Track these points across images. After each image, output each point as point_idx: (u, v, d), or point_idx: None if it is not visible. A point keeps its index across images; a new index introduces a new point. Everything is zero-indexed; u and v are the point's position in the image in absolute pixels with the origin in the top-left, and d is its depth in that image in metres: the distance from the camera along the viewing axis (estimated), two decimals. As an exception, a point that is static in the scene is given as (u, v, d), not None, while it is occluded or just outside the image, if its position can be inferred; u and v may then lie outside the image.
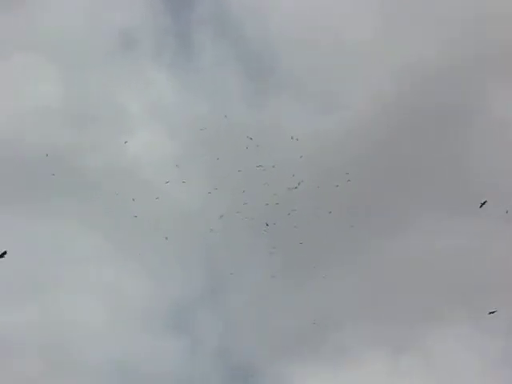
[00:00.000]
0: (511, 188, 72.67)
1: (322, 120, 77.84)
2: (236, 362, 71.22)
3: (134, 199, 69.37)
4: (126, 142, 71.76)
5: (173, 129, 77.86)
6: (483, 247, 72.75)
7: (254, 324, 72.02)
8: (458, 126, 78.49)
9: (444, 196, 75.48)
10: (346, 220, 73.79)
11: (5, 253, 59.74)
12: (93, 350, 70.18)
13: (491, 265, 71.84)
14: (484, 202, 63.83)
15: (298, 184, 68.79)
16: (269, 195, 70.63)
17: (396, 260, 73.65)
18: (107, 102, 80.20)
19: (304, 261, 72.28)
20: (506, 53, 79.34)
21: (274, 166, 69.17)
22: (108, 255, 72.52)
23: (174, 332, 72.33)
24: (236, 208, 69.32)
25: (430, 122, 77.78)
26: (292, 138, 69.16)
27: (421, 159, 76.88)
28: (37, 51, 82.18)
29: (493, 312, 63.09)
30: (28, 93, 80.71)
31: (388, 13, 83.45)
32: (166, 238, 67.52)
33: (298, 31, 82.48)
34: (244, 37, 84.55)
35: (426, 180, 76.03)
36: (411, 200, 75.66)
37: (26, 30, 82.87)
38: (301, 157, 69.10)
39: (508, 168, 75.83)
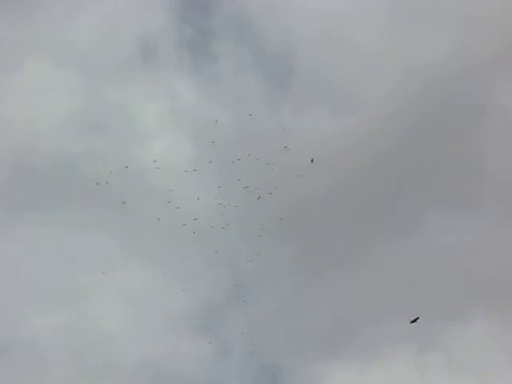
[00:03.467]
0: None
1: (338, 122, 78.90)
2: (263, 362, 72.15)
3: (153, 209, 70.49)
4: (155, 161, 72.15)
5: (193, 136, 78.28)
6: (496, 243, 73.93)
7: (281, 324, 72.75)
8: (467, 125, 79.70)
9: (455, 194, 76.80)
10: (364, 220, 75.19)
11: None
12: (121, 353, 71.29)
13: (506, 260, 72.84)
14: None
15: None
16: (288, 200, 71.93)
17: (415, 258, 74.80)
18: (126, 110, 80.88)
19: (327, 261, 73.46)
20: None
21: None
22: (133, 261, 73.38)
23: (202, 334, 73.16)
24: (257, 214, 70.32)
25: (439, 122, 78.92)
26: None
27: (431, 159, 78.12)
28: (57, 60, 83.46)
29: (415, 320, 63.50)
30: (47, 101, 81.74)
31: (397, 15, 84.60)
32: (190, 244, 68.60)
33: (315, 35, 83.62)
34: (263, 42, 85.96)
35: (436, 178, 77.32)
36: (423, 198, 77.04)
37: (46, 39, 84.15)
38: (312, 161, 69.84)
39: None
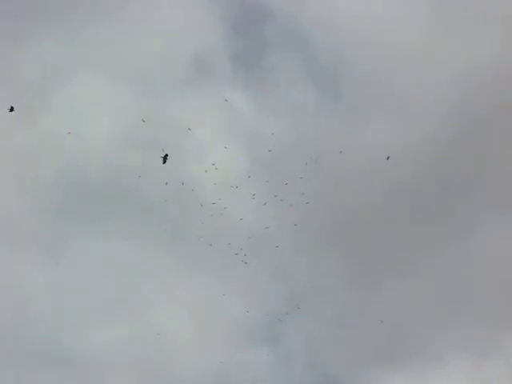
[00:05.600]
0: None
1: (392, 129, 78.60)
2: (324, 372, 72.59)
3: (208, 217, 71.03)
4: (214, 165, 72.41)
5: (249, 148, 78.13)
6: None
7: (339, 334, 73.16)
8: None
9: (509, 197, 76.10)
10: (418, 226, 74.97)
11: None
12: (182, 364, 72.26)
13: None
14: None
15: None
16: (341, 209, 72.23)
17: (474, 263, 74.56)
18: (181, 125, 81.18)
19: (383, 269, 73.53)
20: None
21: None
22: (194, 273, 74.30)
23: (263, 344, 73.90)
24: (312, 225, 70.70)
25: (492, 124, 78.05)
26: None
27: (484, 160, 77.31)
28: (111, 75, 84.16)
29: None
30: (100, 116, 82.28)
31: (446, 14, 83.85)
32: (245, 255, 69.22)
33: (367, 42, 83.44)
34: (315, 53, 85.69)
35: (491, 181, 76.64)
36: (478, 202, 76.53)
37: (99, 54, 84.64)
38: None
39: None
